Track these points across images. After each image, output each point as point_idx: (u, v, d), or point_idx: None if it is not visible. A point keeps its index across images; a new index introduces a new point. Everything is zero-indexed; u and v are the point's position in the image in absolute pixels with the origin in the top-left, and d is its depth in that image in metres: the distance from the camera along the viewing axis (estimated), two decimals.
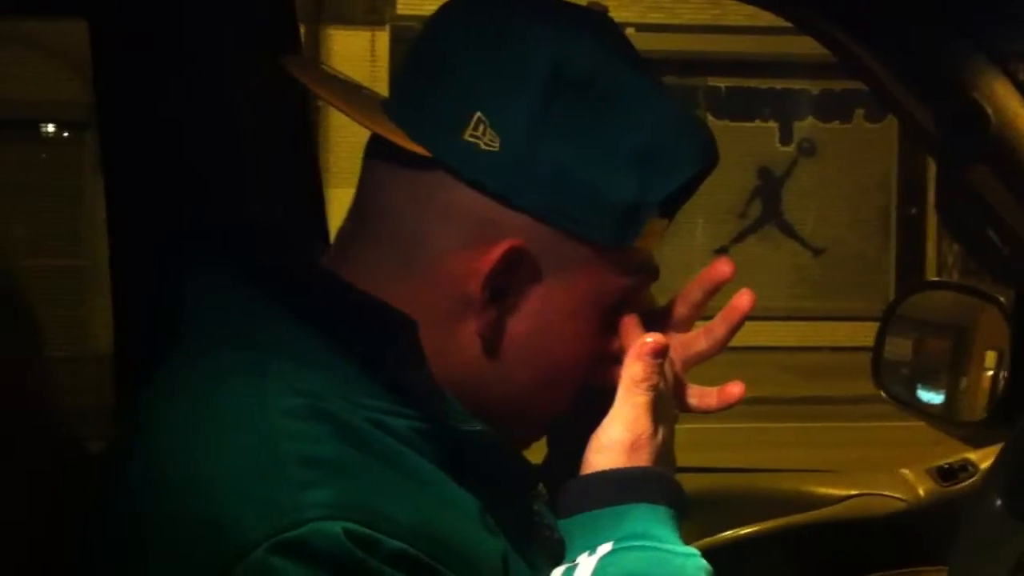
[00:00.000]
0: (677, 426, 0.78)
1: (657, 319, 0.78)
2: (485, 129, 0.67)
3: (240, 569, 0.59)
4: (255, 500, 0.61)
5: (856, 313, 8.52)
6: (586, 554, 0.69)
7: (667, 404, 0.74)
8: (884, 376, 1.48)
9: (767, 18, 1.27)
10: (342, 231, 0.75)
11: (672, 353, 0.76)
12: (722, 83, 10.27)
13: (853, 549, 1.46)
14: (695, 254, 10.22)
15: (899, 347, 1.50)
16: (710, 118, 10.29)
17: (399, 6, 9.57)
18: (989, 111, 1.15)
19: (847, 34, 1.22)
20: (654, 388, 0.72)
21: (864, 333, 1.55)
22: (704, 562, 0.70)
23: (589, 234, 0.69)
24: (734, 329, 0.77)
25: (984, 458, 1.42)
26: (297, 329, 0.69)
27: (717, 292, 0.78)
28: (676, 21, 9.68)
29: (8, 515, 0.70)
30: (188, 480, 0.63)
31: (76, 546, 0.69)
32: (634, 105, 0.70)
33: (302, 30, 1.00)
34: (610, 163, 0.69)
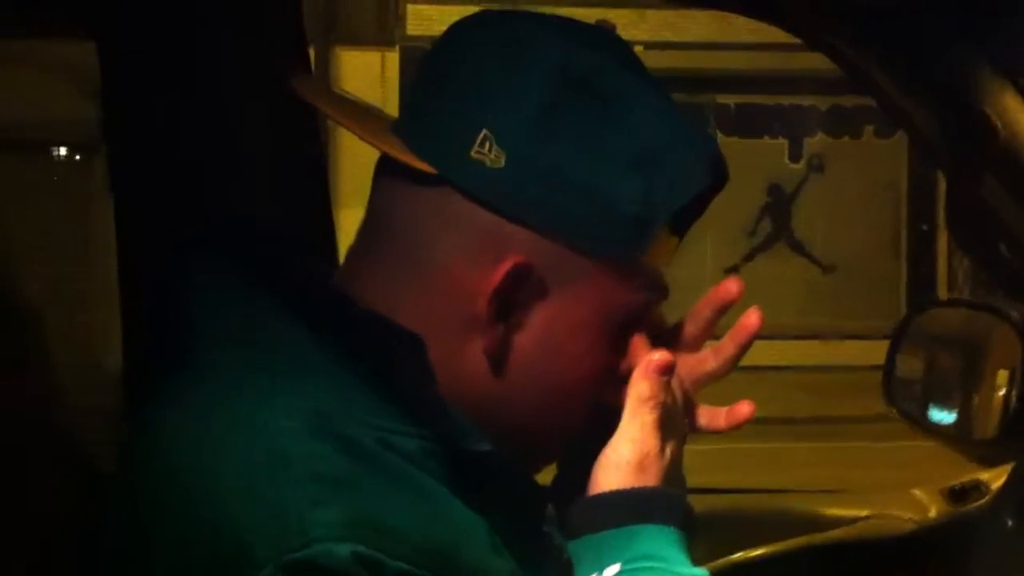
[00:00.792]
0: (688, 447, 0.77)
1: (667, 339, 0.77)
2: (491, 146, 0.67)
3: None
4: (264, 519, 0.61)
5: (867, 331, 8.49)
6: (594, 575, 0.69)
7: (676, 422, 0.74)
8: (895, 394, 1.47)
9: (776, 35, 1.27)
10: (352, 249, 0.75)
11: (681, 373, 0.76)
12: (731, 100, 10.28)
13: (865, 571, 1.45)
14: (705, 273, 10.20)
15: (911, 365, 1.49)
16: (719, 135, 10.30)
17: (409, 27, 9.62)
18: (998, 124, 1.15)
19: (855, 49, 1.22)
20: (661, 406, 0.72)
21: (876, 351, 1.55)
22: None
23: (596, 250, 0.69)
24: (743, 348, 0.77)
25: (996, 478, 1.41)
26: (308, 346, 0.69)
27: (727, 311, 0.78)
28: (685, 39, 9.71)
29: (10, 520, 0.71)
30: (197, 496, 0.63)
31: (79, 553, 0.69)
32: (642, 121, 0.70)
33: (312, 51, 1.00)
34: (617, 178, 0.69)
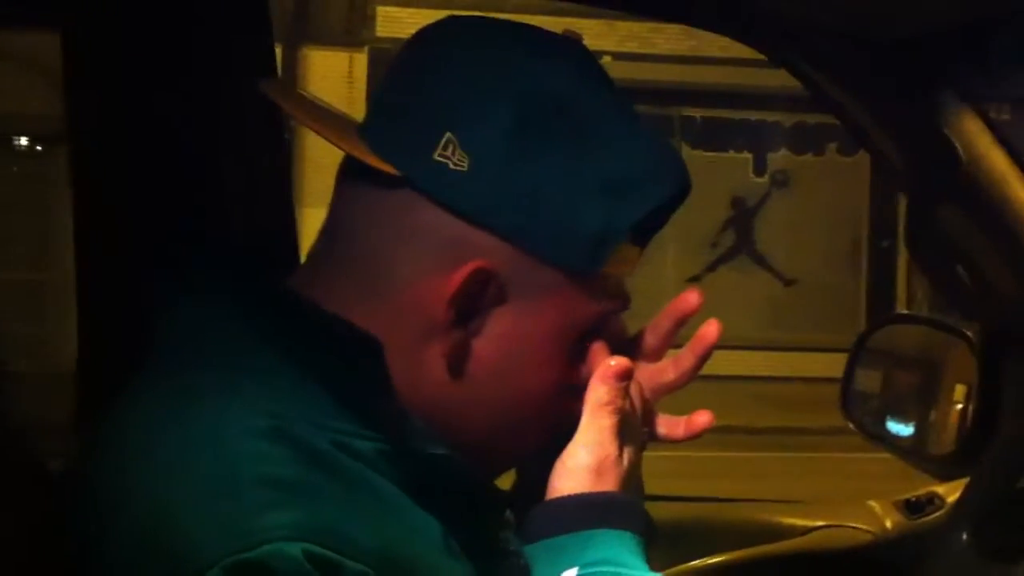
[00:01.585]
0: (648, 454, 0.77)
1: (627, 348, 0.77)
2: (455, 149, 0.67)
3: None
4: (213, 520, 0.60)
5: (827, 344, 8.56)
6: None
7: (634, 429, 0.74)
8: (853, 408, 1.48)
9: (743, 50, 1.28)
10: (312, 251, 0.74)
11: (641, 382, 0.76)
12: (697, 113, 10.36)
13: None
14: (667, 283, 10.26)
15: (869, 379, 1.51)
16: (685, 148, 10.36)
17: (378, 28, 9.60)
18: (959, 148, 1.16)
19: (819, 69, 1.23)
20: (619, 411, 0.72)
21: (835, 364, 1.56)
22: None
23: (558, 258, 0.69)
24: (702, 359, 0.77)
25: (951, 491, 1.42)
26: (265, 349, 0.69)
27: (686, 322, 0.78)
28: (652, 51, 9.77)
29: None
30: (149, 498, 0.62)
31: (37, 563, 0.68)
32: (606, 132, 0.70)
33: (280, 51, 1.00)
34: (580, 188, 0.69)
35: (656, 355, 0.79)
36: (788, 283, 10.45)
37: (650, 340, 0.79)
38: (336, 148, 0.71)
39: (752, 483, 5.79)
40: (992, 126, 1.18)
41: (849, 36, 1.15)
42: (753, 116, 10.36)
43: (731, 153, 10.46)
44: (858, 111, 1.25)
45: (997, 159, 1.18)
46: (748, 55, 1.33)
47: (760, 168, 10.50)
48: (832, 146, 10.30)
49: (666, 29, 9.49)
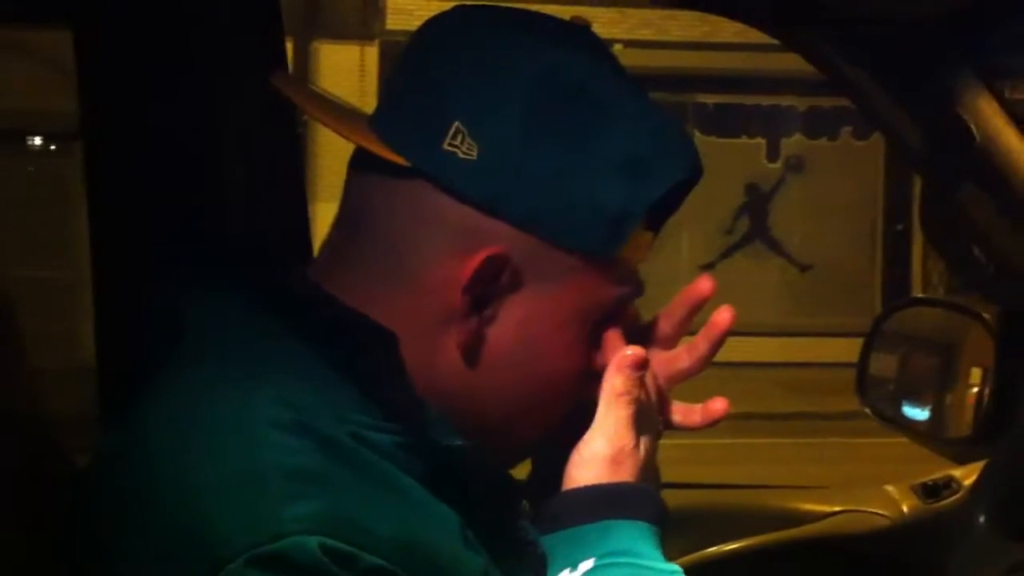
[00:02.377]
0: (664, 441, 0.77)
1: (641, 336, 0.77)
2: (464, 139, 0.67)
3: None
4: (237, 512, 0.61)
5: (843, 329, 8.54)
6: (568, 570, 0.69)
7: (650, 417, 0.74)
8: (869, 392, 1.48)
9: (755, 35, 1.27)
10: (326, 244, 0.75)
11: (656, 370, 0.76)
12: (710, 99, 10.32)
13: (837, 566, 1.46)
14: (682, 270, 10.23)
15: (885, 363, 1.50)
16: (698, 134, 10.32)
17: (389, 21, 9.59)
18: (974, 128, 1.16)
19: (833, 51, 1.23)
20: (636, 401, 0.72)
21: (851, 349, 1.56)
22: None
23: (573, 243, 0.69)
24: (716, 346, 0.77)
25: (968, 475, 1.42)
26: (284, 343, 0.69)
27: (700, 309, 0.78)
28: (665, 38, 9.73)
29: None
30: (174, 489, 0.63)
31: (61, 556, 0.69)
32: (619, 115, 0.70)
33: (292, 44, 1.00)
34: (593, 173, 0.69)
35: (670, 342, 0.79)
36: (803, 268, 10.41)
37: (664, 327, 0.79)
38: (348, 142, 0.71)
39: (769, 469, 5.77)
40: (1006, 105, 1.18)
41: (864, 16, 1.15)
42: (766, 101, 10.31)
43: (744, 139, 10.41)
44: (872, 92, 1.24)
45: (1011, 138, 1.18)
46: (761, 40, 1.32)
47: (774, 153, 10.46)
48: (846, 130, 10.24)
49: (679, 16, 9.45)
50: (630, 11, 9.53)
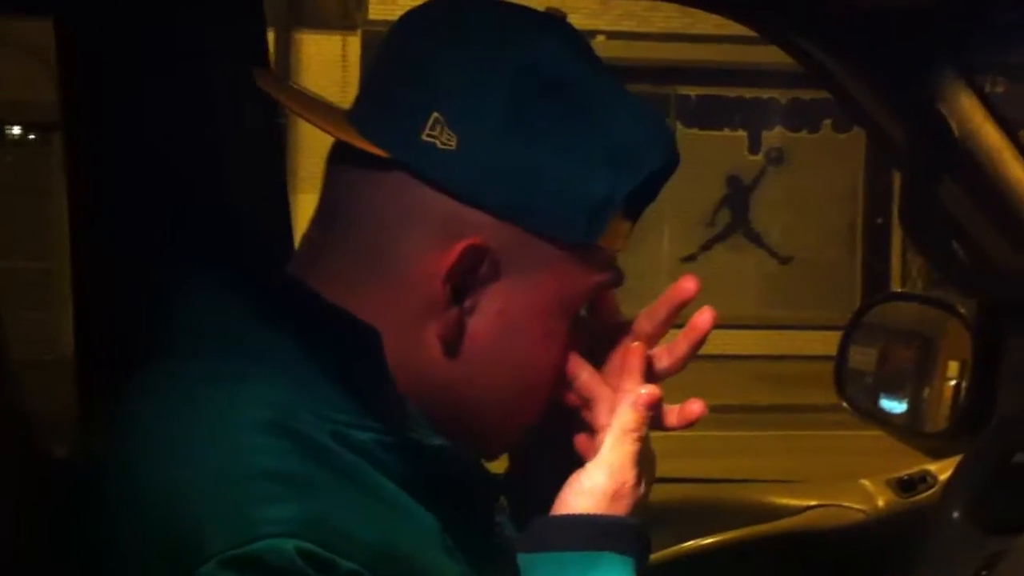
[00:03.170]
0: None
1: (622, 334, 0.78)
2: (442, 129, 0.67)
3: None
4: (213, 513, 0.60)
5: (823, 322, 8.58)
6: None
7: (650, 453, 0.75)
8: (847, 385, 1.49)
9: (737, 28, 1.27)
10: (306, 238, 0.74)
11: None
12: (692, 91, 10.33)
13: (813, 560, 1.47)
14: (663, 262, 10.26)
15: (864, 356, 1.51)
16: (680, 126, 10.34)
17: (371, 11, 9.55)
18: (954, 124, 1.16)
19: (813, 45, 1.23)
20: (643, 439, 0.73)
21: (831, 342, 1.56)
22: None
23: (551, 233, 0.69)
24: (695, 347, 0.78)
25: (943, 469, 1.43)
26: (265, 339, 0.69)
27: (683, 309, 0.79)
28: (647, 29, 9.74)
29: None
30: (153, 490, 0.63)
31: (43, 553, 0.68)
32: (596, 105, 0.70)
33: (274, 35, 1.00)
34: (571, 163, 0.69)
35: (652, 341, 0.79)
36: (784, 261, 10.45)
37: (646, 326, 0.79)
38: (328, 135, 0.71)
39: (748, 461, 5.80)
40: (986, 101, 1.19)
41: (844, 10, 1.15)
42: (748, 94, 10.33)
43: (726, 131, 10.44)
44: (853, 86, 1.25)
45: (991, 134, 1.19)
46: (743, 32, 1.32)
47: (755, 146, 10.49)
48: (827, 123, 10.28)
49: (662, 7, 9.46)
50: (612, 2, 9.52)
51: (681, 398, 0.83)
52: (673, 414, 0.78)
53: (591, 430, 0.76)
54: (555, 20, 0.73)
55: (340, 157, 0.72)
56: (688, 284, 0.77)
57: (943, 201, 1.27)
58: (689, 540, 1.39)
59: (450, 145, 0.67)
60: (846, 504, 1.46)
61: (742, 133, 10.46)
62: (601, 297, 0.77)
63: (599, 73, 0.71)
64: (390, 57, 0.72)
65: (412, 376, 0.69)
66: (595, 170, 0.69)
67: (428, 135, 0.67)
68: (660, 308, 0.79)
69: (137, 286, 0.75)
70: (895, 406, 1.48)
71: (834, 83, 1.26)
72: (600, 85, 0.71)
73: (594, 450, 0.74)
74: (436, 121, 0.67)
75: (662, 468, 0.79)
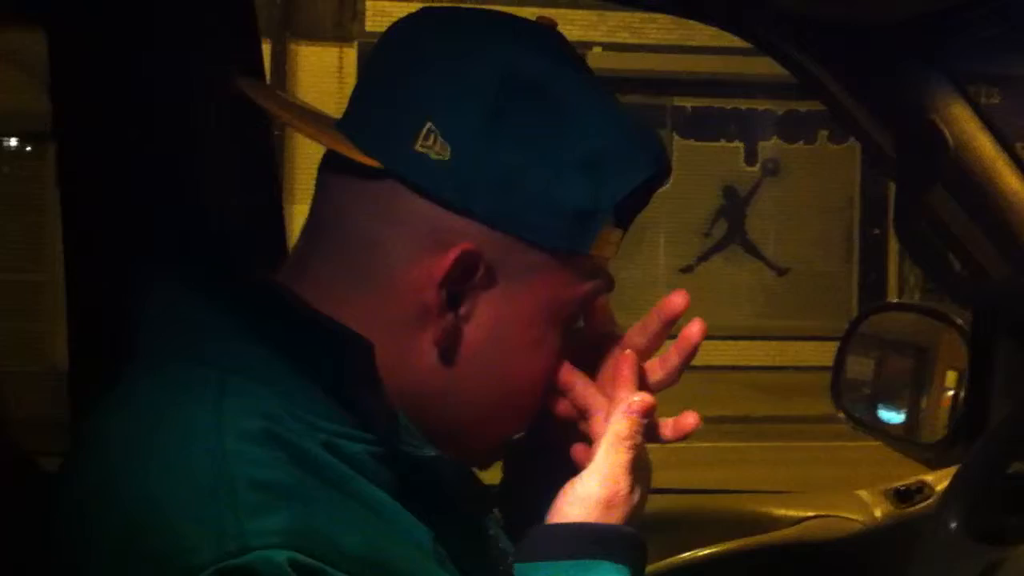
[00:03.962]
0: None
1: (616, 346, 0.78)
2: (436, 139, 0.67)
3: None
4: (204, 524, 0.60)
5: (819, 332, 8.59)
6: None
7: (645, 462, 0.75)
8: (844, 396, 1.49)
9: (733, 39, 1.28)
10: (298, 247, 0.74)
11: None
12: (688, 103, 10.36)
13: (810, 571, 1.46)
14: (659, 273, 10.26)
15: (861, 367, 1.51)
16: (676, 137, 10.37)
17: (367, 23, 9.58)
18: (947, 134, 1.16)
19: (808, 56, 1.23)
20: (637, 447, 0.73)
21: (828, 352, 1.56)
22: None
23: (543, 241, 0.70)
24: (687, 358, 0.78)
25: (940, 479, 1.43)
26: (256, 347, 0.68)
27: (675, 322, 0.79)
28: (643, 41, 9.77)
29: None
30: (140, 499, 0.62)
31: (26, 562, 0.68)
32: (584, 113, 0.70)
33: (269, 46, 1.00)
34: (562, 169, 0.69)
35: (645, 355, 0.79)
36: (780, 272, 10.46)
37: (638, 340, 0.79)
38: (321, 145, 0.71)
39: (745, 472, 5.80)
40: (979, 111, 1.19)
41: (838, 21, 1.15)
42: (744, 105, 10.36)
43: (722, 142, 10.46)
44: (847, 97, 1.25)
45: (985, 144, 1.19)
46: (738, 44, 1.33)
47: (751, 157, 10.51)
48: (823, 134, 10.30)
49: (657, 19, 9.49)
50: (608, 14, 9.55)
51: (677, 409, 0.83)
52: (668, 426, 0.78)
53: (587, 440, 0.76)
54: (543, 29, 0.73)
55: (332, 167, 0.72)
56: (678, 298, 0.78)
57: (938, 211, 1.27)
58: (685, 551, 1.39)
59: (444, 156, 0.67)
60: (843, 515, 1.46)
61: (738, 144, 10.48)
62: (594, 307, 0.77)
63: (585, 83, 0.72)
64: (380, 68, 0.72)
65: (405, 384, 0.69)
66: (577, 180, 0.69)
67: (422, 145, 0.67)
68: (652, 321, 0.79)
69: (128, 294, 0.75)
70: (892, 416, 1.48)
71: (828, 94, 1.26)
72: (584, 95, 0.71)
73: (589, 459, 0.74)
74: (430, 131, 0.67)
75: (657, 479, 0.79)
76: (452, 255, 0.68)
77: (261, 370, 0.67)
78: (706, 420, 0.79)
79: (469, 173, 0.67)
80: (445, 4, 0.77)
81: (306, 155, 7.39)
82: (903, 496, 1.45)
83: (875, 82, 1.20)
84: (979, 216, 1.23)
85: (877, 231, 10.29)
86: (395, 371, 0.69)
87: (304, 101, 0.74)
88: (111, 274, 0.98)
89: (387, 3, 9.08)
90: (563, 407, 0.77)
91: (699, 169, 10.14)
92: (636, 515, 0.73)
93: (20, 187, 8.46)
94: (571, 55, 0.73)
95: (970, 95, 1.19)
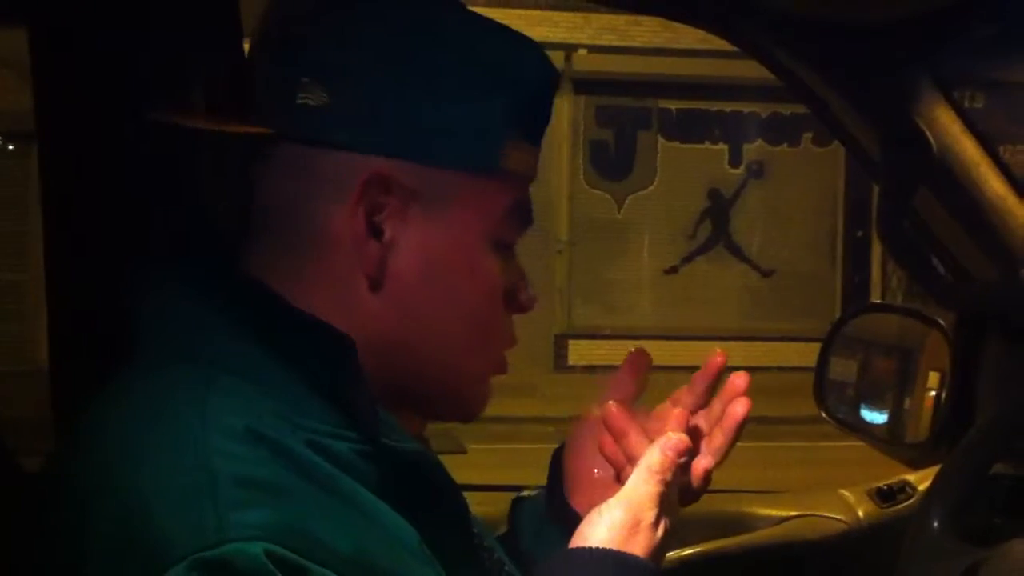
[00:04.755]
0: None
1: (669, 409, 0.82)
2: (313, 89, 0.69)
3: None
4: (184, 517, 0.60)
5: (804, 333, 8.62)
6: None
7: (673, 504, 0.76)
8: (827, 396, 1.49)
9: (718, 42, 1.28)
10: (243, 240, 0.75)
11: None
12: (673, 105, 10.38)
13: (793, 570, 1.47)
14: (644, 274, 10.28)
15: (844, 368, 1.52)
16: (661, 139, 10.39)
17: None
18: (930, 136, 1.17)
19: (792, 59, 1.24)
20: (666, 482, 0.74)
21: (812, 353, 1.57)
22: None
23: (445, 162, 0.71)
24: (733, 437, 0.82)
25: (923, 479, 1.43)
26: (244, 346, 0.69)
27: (719, 378, 0.84)
28: (628, 43, 9.78)
29: None
30: (123, 494, 0.62)
31: (12, 560, 0.68)
32: (457, 31, 0.72)
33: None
34: (442, 90, 0.70)
35: (694, 410, 0.83)
36: (765, 273, 10.49)
37: (687, 399, 0.83)
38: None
39: (728, 472, 5.78)
40: (963, 114, 1.19)
41: (822, 24, 1.16)
42: (728, 107, 10.38)
43: (707, 144, 10.48)
44: (831, 100, 1.25)
45: (968, 147, 1.19)
46: (723, 47, 1.33)
47: (736, 159, 10.54)
48: (807, 136, 10.34)
49: (643, 21, 9.50)
50: (594, 16, 9.56)
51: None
52: (697, 475, 0.80)
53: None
54: None
55: (246, 154, 0.73)
56: (719, 358, 0.84)
57: (921, 214, 1.27)
58: (669, 551, 1.39)
59: (323, 101, 0.68)
60: (826, 514, 1.47)
61: (723, 146, 10.51)
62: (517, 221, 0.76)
63: (463, 10, 0.73)
64: (261, 39, 0.74)
65: (365, 340, 0.70)
66: (464, 95, 0.70)
67: (302, 98, 0.69)
68: (697, 383, 0.84)
69: (110, 295, 0.75)
70: (875, 417, 1.49)
71: (812, 97, 1.26)
72: (456, 12, 0.73)
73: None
74: (306, 84, 0.69)
75: None
76: (360, 180, 0.69)
77: (249, 369, 0.68)
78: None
79: (351, 113, 0.69)
80: None
81: None
82: (886, 496, 1.46)
83: (859, 85, 1.20)
84: (962, 218, 1.24)
85: (861, 233, 10.33)
86: (350, 322, 0.70)
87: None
88: (92, 274, 0.97)
89: None
90: (612, 449, 0.80)
91: (684, 171, 10.16)
92: (660, 551, 0.73)
93: (2, 187, 8.41)
94: None
95: (954, 98, 1.20)
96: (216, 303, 0.70)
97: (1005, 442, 1.10)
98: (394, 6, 0.71)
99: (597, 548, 0.71)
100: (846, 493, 1.49)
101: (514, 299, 0.77)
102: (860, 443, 1.50)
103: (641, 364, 0.85)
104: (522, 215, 0.75)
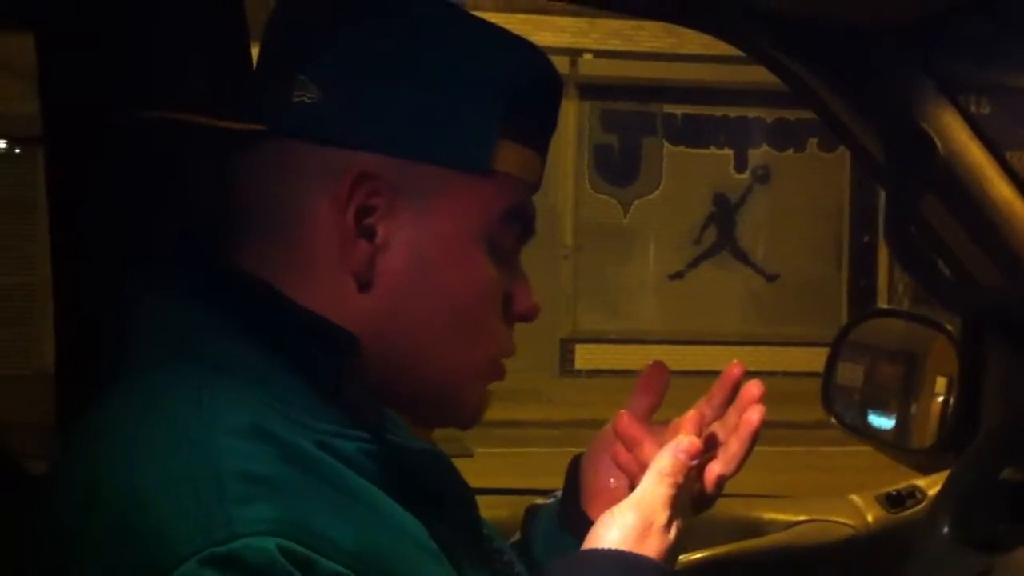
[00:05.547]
0: None
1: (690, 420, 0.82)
2: (307, 85, 0.69)
3: None
4: (191, 514, 0.60)
5: (809, 339, 8.60)
6: None
7: (685, 507, 0.76)
8: (834, 402, 1.49)
9: (724, 47, 1.28)
10: (236, 238, 0.75)
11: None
12: (678, 110, 10.38)
13: (802, 575, 1.46)
14: (650, 279, 10.27)
15: (851, 373, 1.51)
16: (666, 144, 10.39)
17: None
18: (937, 141, 1.17)
19: (798, 64, 1.23)
20: (678, 485, 0.74)
21: (818, 358, 1.57)
22: None
23: (435, 160, 0.71)
24: (749, 446, 0.81)
25: (932, 484, 1.43)
26: (247, 346, 0.69)
27: (736, 389, 0.84)
28: (634, 48, 9.78)
29: None
30: (128, 492, 0.62)
31: (18, 562, 0.68)
32: (447, 31, 0.72)
33: (258, 50, 1.00)
34: (432, 88, 0.70)
35: (710, 421, 0.83)
36: (770, 278, 10.48)
37: (705, 409, 0.83)
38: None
39: (737, 476, 5.78)
40: (969, 119, 1.19)
41: (828, 28, 1.16)
42: (734, 112, 10.38)
43: (712, 149, 10.48)
44: (836, 104, 1.25)
45: (975, 152, 1.19)
46: (729, 52, 1.33)
47: (741, 164, 10.53)
48: (813, 141, 10.33)
49: (648, 26, 9.50)
50: (599, 21, 9.57)
51: (668, 414, 0.84)
52: (710, 480, 0.80)
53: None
54: None
55: (237, 151, 0.73)
56: (736, 369, 0.84)
57: (927, 219, 1.27)
58: (682, 553, 1.39)
59: (316, 97, 0.69)
60: (835, 519, 1.46)
61: (728, 151, 10.50)
62: (519, 224, 0.76)
63: (455, 11, 0.73)
64: (262, 42, 0.75)
65: (355, 327, 0.70)
66: (453, 93, 0.70)
67: (297, 96, 0.69)
68: (715, 394, 0.84)
69: (116, 296, 0.75)
70: (883, 422, 1.48)
71: (818, 102, 1.26)
72: (449, 15, 0.73)
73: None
74: (303, 81, 0.69)
75: None
76: (348, 179, 0.69)
77: (254, 369, 0.68)
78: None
79: (342, 109, 0.69)
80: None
81: None
82: (895, 501, 1.46)
83: (866, 89, 1.20)
84: (969, 224, 1.23)
85: (867, 238, 10.31)
86: (342, 318, 0.70)
87: None
88: (98, 277, 0.97)
89: None
90: (625, 459, 0.81)
91: (689, 176, 10.16)
92: (672, 553, 0.73)
93: (9, 190, 8.44)
94: None
95: (960, 103, 1.19)
96: (223, 304, 0.70)
97: (1013, 447, 1.10)
98: (390, 5, 0.71)
99: (609, 550, 0.71)
100: (855, 498, 1.49)
101: (515, 308, 0.76)
102: (868, 449, 1.50)
103: (659, 378, 0.85)
104: (520, 221, 0.75)
